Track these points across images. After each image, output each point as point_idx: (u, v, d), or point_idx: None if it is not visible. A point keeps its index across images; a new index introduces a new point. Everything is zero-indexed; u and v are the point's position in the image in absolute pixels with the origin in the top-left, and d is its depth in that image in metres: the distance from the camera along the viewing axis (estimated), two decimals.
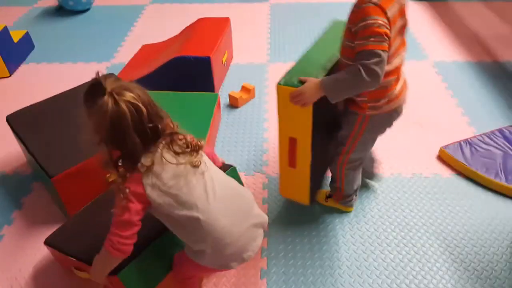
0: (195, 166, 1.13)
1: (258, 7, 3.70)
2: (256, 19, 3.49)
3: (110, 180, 1.78)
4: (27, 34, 3.04)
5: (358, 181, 1.70)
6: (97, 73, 1.06)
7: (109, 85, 1.01)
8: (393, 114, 1.48)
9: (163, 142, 1.11)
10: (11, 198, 1.91)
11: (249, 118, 2.36)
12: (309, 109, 1.40)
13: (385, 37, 1.23)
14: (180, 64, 2.38)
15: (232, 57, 2.91)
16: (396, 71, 1.40)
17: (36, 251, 1.66)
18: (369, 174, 1.85)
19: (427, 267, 1.57)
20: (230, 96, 2.45)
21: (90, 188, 1.76)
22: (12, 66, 2.83)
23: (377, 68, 1.22)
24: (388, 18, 1.24)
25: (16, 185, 1.97)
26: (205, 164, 1.17)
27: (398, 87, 1.43)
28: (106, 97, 1.00)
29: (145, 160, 1.07)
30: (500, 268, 1.56)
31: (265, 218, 1.27)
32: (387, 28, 1.23)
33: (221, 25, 2.71)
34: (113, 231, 1.09)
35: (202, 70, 2.39)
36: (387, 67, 1.30)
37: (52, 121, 1.89)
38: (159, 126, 1.08)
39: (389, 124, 1.52)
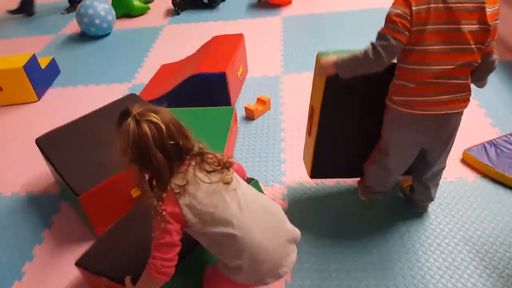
0: (227, 183, 1.16)
1: (270, 21, 3.76)
2: (269, 33, 3.54)
3: (135, 195, 1.84)
4: (53, 60, 3.19)
5: (382, 181, 1.68)
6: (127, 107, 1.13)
7: (135, 110, 1.09)
8: (417, 120, 1.40)
9: (194, 161, 1.15)
10: (41, 217, 1.99)
11: (265, 130, 2.39)
12: (323, 80, 1.51)
13: (399, 26, 1.27)
14: (197, 81, 2.44)
15: (247, 71, 2.96)
16: (426, 77, 1.32)
17: (66, 271, 1.71)
18: (415, 202, 1.76)
19: (457, 275, 1.52)
20: (246, 109, 2.49)
21: (116, 205, 1.81)
22: (40, 91, 2.96)
23: (382, 51, 1.29)
24: (411, 11, 1.26)
25: (45, 205, 2.05)
26: (237, 180, 1.20)
27: (427, 97, 1.35)
28: (129, 119, 1.07)
29: (179, 180, 1.12)
30: None
31: (297, 233, 1.27)
32: (406, 19, 1.26)
33: (235, 41, 2.76)
34: (155, 255, 1.12)
35: (218, 85, 2.44)
36: (418, 67, 1.32)
37: (78, 142, 1.97)
38: (182, 143, 1.12)
39: (412, 128, 1.44)
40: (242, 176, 1.35)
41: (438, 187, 1.70)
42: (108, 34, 3.86)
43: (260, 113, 2.49)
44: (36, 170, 2.28)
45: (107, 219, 1.82)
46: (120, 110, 2.18)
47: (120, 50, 3.57)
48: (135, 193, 1.85)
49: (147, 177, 1.14)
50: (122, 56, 3.46)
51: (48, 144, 1.98)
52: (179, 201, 1.10)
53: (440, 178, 1.67)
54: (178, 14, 4.15)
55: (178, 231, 1.12)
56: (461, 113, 1.43)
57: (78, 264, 1.54)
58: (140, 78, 3.10)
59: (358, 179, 1.85)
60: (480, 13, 1.25)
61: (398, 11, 1.27)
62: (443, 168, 1.63)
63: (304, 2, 4.04)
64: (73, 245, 1.82)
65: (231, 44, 2.71)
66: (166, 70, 3.03)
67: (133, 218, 1.61)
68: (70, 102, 2.90)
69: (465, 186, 1.89)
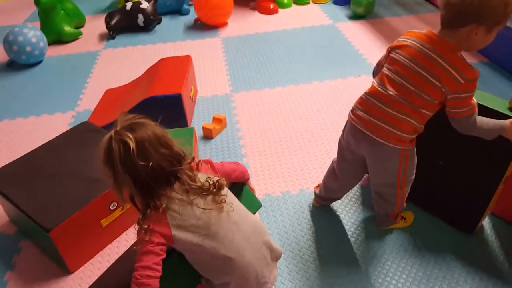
0: (219, 204, 1.17)
1: (210, 42, 3.87)
2: (211, 53, 3.64)
3: (105, 225, 1.80)
4: None
5: (332, 184, 1.84)
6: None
7: (119, 124, 1.11)
8: (353, 129, 1.56)
9: (184, 181, 1.14)
10: (1, 259, 1.85)
11: (225, 147, 2.47)
12: None
13: None
14: (152, 104, 2.45)
15: (197, 91, 3.03)
16: (370, 92, 1.54)
17: None
18: None
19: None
20: (204, 128, 2.55)
21: (87, 237, 1.77)
22: None
23: None
24: None
25: (3, 246, 1.92)
26: (230, 202, 1.22)
27: (362, 112, 1.53)
28: (107, 135, 1.09)
29: (163, 200, 1.12)
30: None
31: (280, 251, 1.35)
32: None
33: (184, 62, 2.82)
34: (135, 266, 1.09)
35: (174, 107, 2.48)
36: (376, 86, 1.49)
37: (34, 176, 1.88)
38: (158, 164, 1.09)
39: (349, 134, 1.60)
40: (242, 177, 1.40)
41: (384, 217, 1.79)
42: (40, 61, 3.68)
43: (217, 132, 2.56)
44: None
45: (79, 253, 1.77)
46: (74, 140, 2.15)
47: (56, 78, 3.42)
48: (104, 222, 1.81)
49: (127, 193, 1.14)
50: (60, 83, 3.32)
51: (2, 181, 1.86)
52: (167, 221, 1.11)
53: (384, 206, 1.74)
54: (113, 38, 4.08)
55: (162, 243, 1.11)
56: (394, 150, 1.46)
57: None
58: (84, 105, 3.01)
59: (315, 186, 2.00)
60: (438, 68, 1.33)
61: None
62: (386, 197, 1.69)
63: (239, 23, 4.21)
64: (43, 284, 1.73)
65: (180, 66, 2.76)
66: (112, 95, 2.98)
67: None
68: (10, 136, 2.72)
69: None
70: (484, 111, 1.51)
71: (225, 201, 1.19)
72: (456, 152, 1.69)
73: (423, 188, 1.82)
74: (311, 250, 1.80)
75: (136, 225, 1.13)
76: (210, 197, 1.17)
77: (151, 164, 1.08)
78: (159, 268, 1.11)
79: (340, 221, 1.92)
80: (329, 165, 1.86)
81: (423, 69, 1.36)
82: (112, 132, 1.09)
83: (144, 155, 1.07)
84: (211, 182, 1.18)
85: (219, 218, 1.17)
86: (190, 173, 1.17)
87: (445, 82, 1.34)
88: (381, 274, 1.68)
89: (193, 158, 1.21)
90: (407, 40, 1.44)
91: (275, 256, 1.33)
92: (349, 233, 1.86)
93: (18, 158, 2.00)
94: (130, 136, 1.07)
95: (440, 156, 1.75)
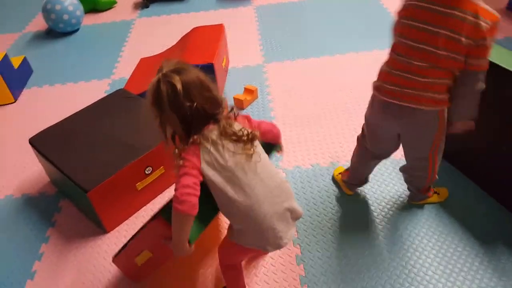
0: (249, 155, 1.21)
1: (243, 11, 3.81)
2: (244, 23, 3.59)
3: (140, 188, 1.86)
4: (25, 59, 3.08)
5: (363, 164, 1.80)
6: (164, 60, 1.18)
7: (165, 68, 1.15)
8: (383, 105, 1.51)
9: (221, 125, 1.19)
10: (43, 217, 1.97)
11: (256, 118, 2.46)
12: None
13: None
14: None
15: (229, 61, 3.01)
16: (397, 67, 1.47)
17: (77, 267, 1.73)
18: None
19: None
20: (235, 99, 2.55)
21: (123, 199, 1.84)
22: (16, 92, 2.87)
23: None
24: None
25: (44, 205, 2.03)
26: (259, 155, 1.25)
27: (391, 86, 1.47)
28: (156, 77, 1.14)
29: (199, 137, 1.18)
30: None
31: (301, 213, 1.36)
32: None
33: (216, 31, 2.80)
34: (175, 189, 1.14)
35: None
36: (398, 57, 1.44)
37: (73, 140, 1.96)
38: (202, 106, 1.14)
39: (380, 112, 1.55)
40: (275, 139, 1.45)
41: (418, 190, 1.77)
42: (77, 30, 3.75)
43: (248, 103, 2.56)
44: (27, 172, 2.24)
45: (115, 214, 1.85)
46: (110, 107, 2.21)
47: (92, 46, 3.49)
48: (140, 186, 1.88)
49: (170, 131, 1.20)
50: (96, 52, 3.39)
51: (44, 144, 1.96)
52: (200, 152, 1.17)
53: (415, 181, 1.73)
54: (147, 7, 4.09)
55: (197, 169, 1.17)
56: (432, 113, 1.43)
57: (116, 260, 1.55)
58: (119, 73, 3.06)
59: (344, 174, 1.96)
60: (455, 21, 1.28)
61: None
62: (418, 172, 1.68)
63: None
64: (81, 241, 1.83)
65: (212, 35, 2.74)
66: (146, 63, 3.02)
67: None
68: (50, 101, 2.83)
69: None
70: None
71: (254, 151, 1.23)
72: None
73: (487, 172, 1.81)
74: (339, 223, 1.80)
75: (174, 157, 1.20)
76: (241, 145, 1.22)
77: (195, 104, 1.14)
78: (198, 188, 1.16)
79: (371, 196, 1.91)
80: (355, 149, 1.80)
81: (443, 29, 1.30)
82: (159, 75, 1.14)
83: (189, 96, 1.13)
84: (245, 132, 1.23)
85: (245, 165, 1.21)
86: (228, 120, 1.23)
87: (468, 33, 1.28)
88: (410, 248, 1.66)
89: (232, 108, 1.26)
90: (412, 2, 1.37)
91: (295, 216, 1.36)
92: (379, 207, 1.85)
93: (58, 122, 2.08)
94: (177, 78, 1.12)
95: (503, 141, 1.70)
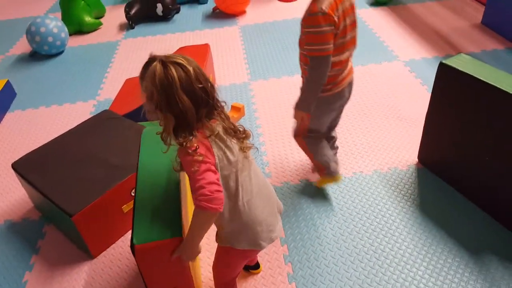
0: (245, 151, 1.20)
1: (229, 31, 3.85)
2: (230, 42, 3.63)
3: (126, 211, 1.83)
4: (8, 82, 3.05)
5: (326, 152, 1.86)
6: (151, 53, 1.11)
7: (159, 56, 1.08)
8: (339, 95, 1.69)
9: (223, 120, 1.16)
10: (26, 244, 1.91)
11: None
12: None
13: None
14: None
15: (215, 80, 3.02)
16: (344, 62, 1.62)
17: None
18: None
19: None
20: None
21: (109, 222, 1.81)
22: None
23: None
24: (335, 22, 1.46)
25: (28, 231, 1.98)
26: (251, 153, 1.26)
27: (344, 75, 1.65)
28: (155, 62, 1.06)
29: (207, 129, 1.12)
30: None
31: (282, 206, 1.40)
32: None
33: (202, 51, 2.82)
34: (200, 185, 1.07)
35: None
36: (336, 58, 1.55)
37: (58, 163, 1.93)
38: (209, 89, 1.10)
39: (337, 103, 1.73)
40: None
41: None
42: (61, 52, 3.74)
43: (235, 120, 2.56)
44: (9, 197, 2.19)
45: (101, 238, 1.81)
46: (95, 128, 2.17)
47: (77, 67, 3.48)
48: (126, 208, 1.84)
49: (172, 123, 1.10)
50: (81, 73, 3.37)
51: (27, 168, 1.92)
52: (212, 147, 1.12)
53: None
54: (132, 28, 4.11)
55: (214, 165, 1.12)
56: None
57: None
58: (105, 94, 3.05)
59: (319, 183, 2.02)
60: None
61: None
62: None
63: (257, 12, 4.18)
64: (65, 268, 1.78)
65: (198, 54, 2.76)
66: (132, 84, 3.00)
67: None
68: (34, 124, 2.79)
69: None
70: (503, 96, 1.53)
71: (249, 148, 1.23)
72: (502, 148, 1.66)
73: (472, 183, 1.84)
74: (328, 239, 1.79)
75: (180, 153, 1.12)
76: (237, 142, 1.19)
77: (203, 86, 1.09)
78: (220, 185, 1.12)
79: (357, 205, 1.91)
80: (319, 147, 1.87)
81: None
82: (159, 61, 1.05)
83: (199, 79, 1.08)
84: (242, 129, 1.21)
85: (244, 162, 1.21)
86: (226, 115, 1.20)
87: (302, 23, 1.53)
88: (398, 254, 1.66)
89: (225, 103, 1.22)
90: None
91: (279, 210, 1.39)
92: (365, 215, 1.85)
93: (42, 146, 2.05)
94: (184, 60, 1.07)
95: (486, 152, 1.73)
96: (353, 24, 1.58)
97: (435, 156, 2.03)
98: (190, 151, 1.08)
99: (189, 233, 1.16)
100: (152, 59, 1.08)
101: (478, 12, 3.57)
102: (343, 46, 1.56)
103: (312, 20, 1.47)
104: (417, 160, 2.15)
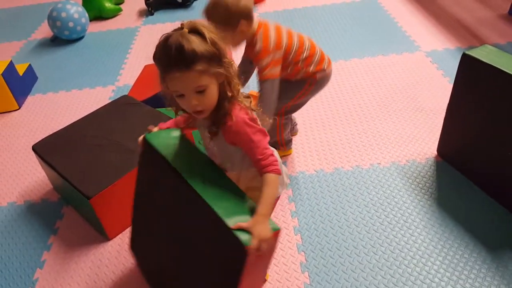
0: None
1: None
2: None
3: None
4: (30, 66, 3.10)
5: (289, 129, 2.12)
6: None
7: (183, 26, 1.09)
8: (329, 77, 1.94)
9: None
10: (45, 224, 1.96)
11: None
12: None
13: None
14: None
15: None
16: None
17: (79, 274, 1.72)
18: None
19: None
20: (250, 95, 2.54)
21: (125, 206, 1.82)
22: (20, 99, 2.88)
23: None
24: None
25: (46, 212, 2.03)
26: None
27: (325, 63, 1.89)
28: (181, 34, 1.06)
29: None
30: None
31: None
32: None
33: None
34: (267, 155, 1.12)
35: None
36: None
37: (77, 146, 1.96)
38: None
39: (325, 84, 1.95)
40: None
41: None
42: (82, 37, 3.78)
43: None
44: (29, 178, 2.24)
45: (117, 221, 1.84)
46: (114, 113, 2.19)
47: (97, 53, 3.51)
48: None
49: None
50: (101, 59, 3.41)
51: (47, 150, 1.95)
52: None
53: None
54: (152, 14, 4.12)
55: None
56: None
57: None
58: (124, 80, 3.07)
59: None
60: None
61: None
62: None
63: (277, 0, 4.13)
64: (83, 249, 1.82)
65: None
66: (150, 70, 3.01)
67: None
68: (54, 108, 2.84)
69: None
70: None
71: None
72: None
73: (493, 178, 1.80)
74: (344, 230, 1.78)
75: (238, 125, 1.13)
76: None
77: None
78: None
79: (375, 203, 1.88)
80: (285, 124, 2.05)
81: None
82: (185, 28, 1.06)
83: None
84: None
85: None
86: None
87: None
88: (416, 255, 1.64)
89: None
90: None
91: None
92: (384, 213, 1.82)
93: (61, 129, 2.09)
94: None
95: (508, 147, 1.68)
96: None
97: (455, 149, 1.98)
98: (248, 121, 1.13)
99: (268, 206, 1.08)
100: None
101: (506, 2, 3.45)
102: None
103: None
104: (436, 153, 2.10)
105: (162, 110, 2.14)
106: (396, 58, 2.91)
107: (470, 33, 3.13)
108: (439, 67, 2.78)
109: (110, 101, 2.64)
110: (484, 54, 1.69)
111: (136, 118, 2.09)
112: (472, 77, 1.74)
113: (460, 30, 3.18)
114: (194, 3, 4.25)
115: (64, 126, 2.12)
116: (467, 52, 1.73)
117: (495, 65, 1.61)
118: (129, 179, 1.77)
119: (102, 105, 2.27)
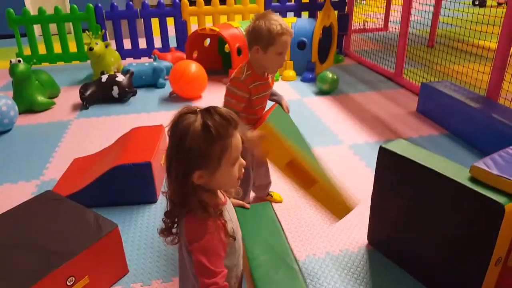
0: None
1: None
2: None
3: None
4: None
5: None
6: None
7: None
8: None
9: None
10: None
11: None
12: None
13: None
14: (120, 172, 2.41)
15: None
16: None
17: None
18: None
19: None
20: None
21: None
22: None
23: None
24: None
25: None
26: None
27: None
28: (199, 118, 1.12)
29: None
30: None
31: None
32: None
33: (156, 131, 2.84)
34: None
35: (143, 175, 2.44)
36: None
37: None
38: None
39: None
40: None
41: None
42: (9, 130, 3.62)
43: None
44: None
45: None
46: (34, 210, 2.06)
47: (24, 146, 3.35)
48: None
49: None
50: (27, 152, 3.25)
51: None
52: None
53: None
54: (86, 108, 4.10)
55: None
56: None
57: None
58: (50, 174, 2.92)
59: None
60: None
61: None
62: None
63: (213, 96, 4.36)
64: None
65: (152, 135, 2.77)
66: (79, 164, 2.92)
67: None
68: None
69: None
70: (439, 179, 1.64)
71: None
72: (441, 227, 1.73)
73: (421, 265, 1.87)
74: None
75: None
76: None
77: None
78: None
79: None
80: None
81: None
82: (203, 112, 1.12)
83: None
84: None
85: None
86: None
87: None
88: None
89: None
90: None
91: None
92: None
93: None
94: None
95: (429, 233, 1.78)
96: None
97: (383, 237, 2.07)
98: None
99: None
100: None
101: (413, 101, 3.96)
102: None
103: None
104: (367, 241, 2.17)
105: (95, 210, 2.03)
106: (322, 150, 3.12)
107: (386, 128, 3.49)
108: (361, 158, 3.01)
109: (32, 196, 2.47)
110: (398, 147, 1.88)
111: (59, 215, 1.96)
112: (389, 168, 1.91)
113: (377, 125, 3.54)
114: (131, 98, 4.35)
115: None
116: (383, 146, 1.91)
117: (408, 157, 1.79)
118: (45, 285, 1.59)
119: (24, 201, 2.10)
